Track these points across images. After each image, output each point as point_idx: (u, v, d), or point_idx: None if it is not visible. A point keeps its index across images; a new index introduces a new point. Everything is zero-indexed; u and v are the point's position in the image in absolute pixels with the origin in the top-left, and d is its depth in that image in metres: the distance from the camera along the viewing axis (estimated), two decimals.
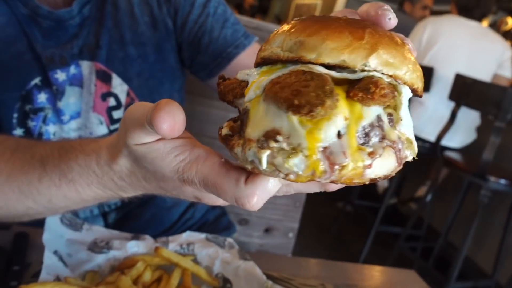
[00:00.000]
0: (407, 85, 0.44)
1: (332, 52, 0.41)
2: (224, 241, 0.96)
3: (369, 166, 0.40)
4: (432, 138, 3.32)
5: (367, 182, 0.42)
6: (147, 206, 1.18)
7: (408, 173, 4.10)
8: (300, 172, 0.41)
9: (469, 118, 3.29)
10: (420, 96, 0.49)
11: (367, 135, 0.41)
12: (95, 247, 0.85)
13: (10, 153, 0.73)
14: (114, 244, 0.87)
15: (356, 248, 3.73)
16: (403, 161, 0.44)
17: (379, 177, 0.42)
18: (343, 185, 0.46)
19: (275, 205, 1.79)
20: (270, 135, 0.42)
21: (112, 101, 1.07)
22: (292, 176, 0.42)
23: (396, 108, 0.44)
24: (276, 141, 0.42)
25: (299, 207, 1.82)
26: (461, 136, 3.36)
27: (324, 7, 8.77)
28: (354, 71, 0.42)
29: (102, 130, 1.07)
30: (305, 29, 0.44)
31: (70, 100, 1.03)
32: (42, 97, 1.01)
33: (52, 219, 0.85)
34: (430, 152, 3.38)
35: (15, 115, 1.01)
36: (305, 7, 9.64)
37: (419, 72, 0.46)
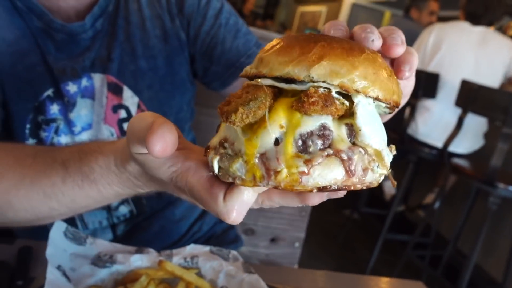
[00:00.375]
0: (360, 93, 0.44)
1: (280, 65, 0.45)
2: (228, 253, 0.95)
3: (306, 173, 0.41)
4: (439, 144, 3.30)
5: (314, 190, 0.43)
6: (155, 218, 1.18)
7: (416, 180, 4.07)
8: (243, 177, 0.44)
9: (476, 124, 3.26)
10: (396, 106, 0.48)
11: (304, 142, 0.42)
12: (99, 261, 0.85)
13: (31, 158, 0.76)
14: (118, 258, 0.87)
15: (364, 256, 3.70)
16: (366, 174, 0.44)
17: (327, 186, 0.42)
18: (323, 198, 0.48)
19: (281, 215, 1.78)
20: (221, 143, 0.47)
21: (123, 113, 1.08)
22: (238, 181, 0.45)
23: (353, 118, 0.44)
24: (224, 147, 0.46)
25: (305, 216, 1.80)
26: (468, 142, 3.33)
27: (329, 14, 8.79)
28: (306, 83, 0.44)
29: None
30: (269, 47, 0.47)
31: (82, 112, 1.04)
32: (54, 108, 1.03)
33: (56, 234, 0.84)
34: (437, 158, 3.35)
35: (28, 125, 1.02)
36: (309, 14, 9.68)
37: (380, 82, 0.45)
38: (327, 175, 0.42)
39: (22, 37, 0.99)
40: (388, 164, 0.46)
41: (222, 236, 1.30)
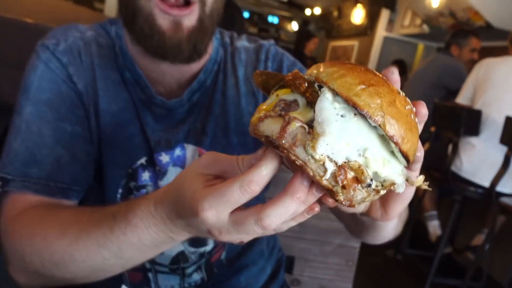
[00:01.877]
0: (331, 88, 0.52)
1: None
2: None
3: (262, 119, 0.55)
4: (486, 183, 3.17)
5: (262, 139, 0.55)
6: (223, 285, 1.17)
7: (462, 220, 3.90)
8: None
9: None
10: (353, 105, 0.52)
11: (277, 105, 0.56)
12: None
13: (88, 215, 0.82)
14: None
15: None
16: (296, 144, 0.52)
17: (269, 136, 0.53)
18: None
19: (327, 265, 1.75)
20: None
21: None
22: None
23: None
24: None
25: (352, 266, 1.76)
26: None
27: (361, 47, 8.83)
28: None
29: None
30: None
31: (171, 180, 1.06)
32: (145, 176, 1.05)
33: None
34: (484, 198, 3.21)
35: (120, 190, 1.05)
36: (341, 49, 9.75)
37: (344, 82, 0.52)
38: (270, 127, 0.54)
39: (125, 109, 1.04)
40: (319, 149, 0.51)
41: None
